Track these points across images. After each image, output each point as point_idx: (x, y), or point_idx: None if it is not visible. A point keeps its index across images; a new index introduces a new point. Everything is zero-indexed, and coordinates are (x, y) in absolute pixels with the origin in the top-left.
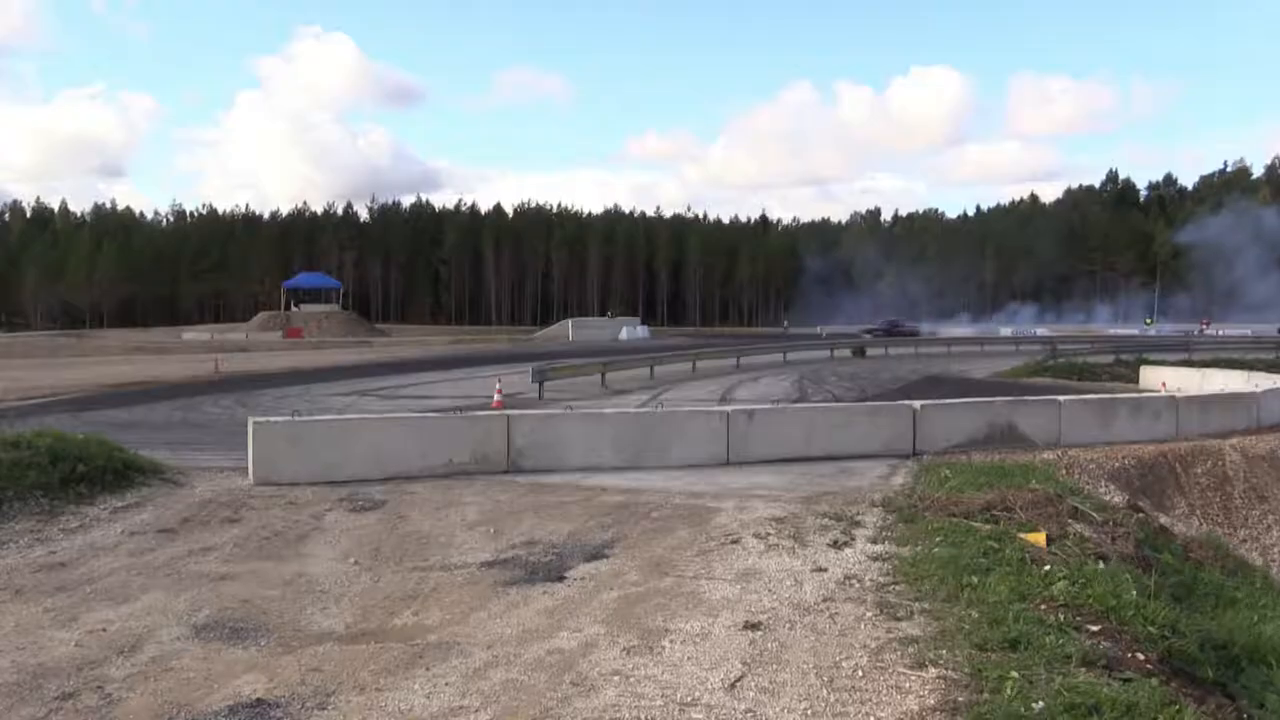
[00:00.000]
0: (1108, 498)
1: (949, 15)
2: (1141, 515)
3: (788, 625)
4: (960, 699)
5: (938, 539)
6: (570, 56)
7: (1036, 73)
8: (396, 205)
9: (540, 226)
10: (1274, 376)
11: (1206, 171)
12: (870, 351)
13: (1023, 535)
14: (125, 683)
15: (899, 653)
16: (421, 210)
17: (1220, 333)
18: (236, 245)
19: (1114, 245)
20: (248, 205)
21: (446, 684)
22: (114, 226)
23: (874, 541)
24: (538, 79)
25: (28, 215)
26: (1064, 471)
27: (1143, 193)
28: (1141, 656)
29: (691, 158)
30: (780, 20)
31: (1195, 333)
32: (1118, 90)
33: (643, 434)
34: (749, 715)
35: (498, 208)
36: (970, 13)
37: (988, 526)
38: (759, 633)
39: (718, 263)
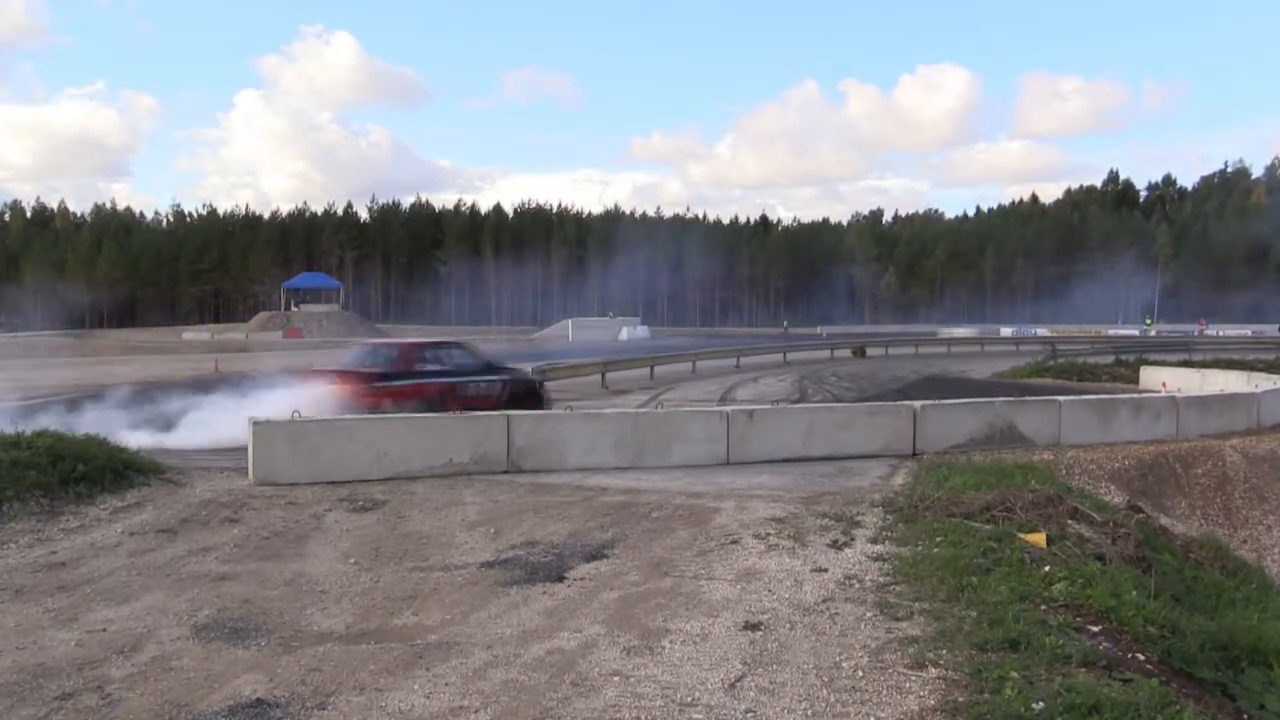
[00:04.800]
0: (1108, 498)
1: (955, 13)
2: (1141, 515)
3: (788, 625)
4: (960, 699)
5: (938, 539)
6: (578, 56)
7: (1046, 72)
8: (396, 205)
9: (540, 226)
10: (1274, 377)
11: (1207, 171)
12: (870, 351)
13: (1023, 535)
14: (125, 683)
15: (899, 653)
16: (421, 210)
17: (1220, 333)
18: (236, 245)
19: (1114, 245)
20: (248, 205)
21: (446, 684)
22: (114, 226)
23: (874, 542)
24: (545, 78)
25: (28, 215)
26: (1064, 472)
27: (1142, 193)
28: (1141, 656)
29: (696, 157)
30: (787, 19)
31: (1195, 333)
32: (1125, 90)
33: (643, 434)
34: (749, 715)
35: (497, 208)
36: (976, 11)
37: (988, 527)
38: (759, 633)
39: (718, 263)
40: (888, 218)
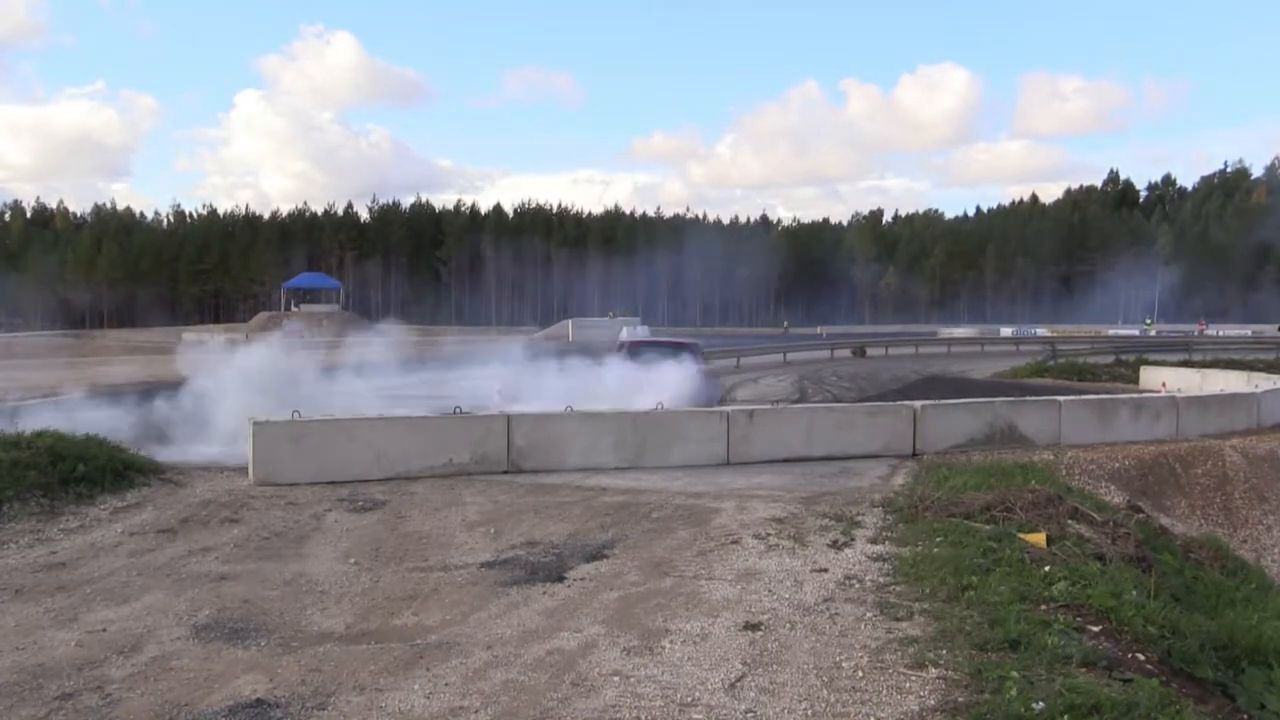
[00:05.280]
0: (1108, 498)
1: (955, 13)
2: (1141, 515)
3: (788, 625)
4: (960, 699)
5: (938, 539)
6: (578, 56)
7: (1046, 72)
8: (396, 205)
9: (540, 226)
10: (1274, 377)
11: (1207, 171)
12: (870, 351)
13: (1023, 535)
14: (125, 683)
15: (899, 653)
16: (421, 210)
17: (1220, 333)
18: (236, 245)
19: (1114, 245)
20: (248, 205)
21: (447, 684)
22: (114, 226)
23: (874, 542)
24: (545, 78)
25: (28, 215)
26: (1064, 472)
27: (1143, 193)
28: (1141, 657)
29: (697, 157)
30: (787, 19)
31: (1194, 333)
32: (1126, 90)
33: (643, 434)
34: (749, 715)
35: (498, 208)
36: (976, 11)
37: (988, 527)
38: (759, 633)
39: (718, 262)
40: (888, 218)
